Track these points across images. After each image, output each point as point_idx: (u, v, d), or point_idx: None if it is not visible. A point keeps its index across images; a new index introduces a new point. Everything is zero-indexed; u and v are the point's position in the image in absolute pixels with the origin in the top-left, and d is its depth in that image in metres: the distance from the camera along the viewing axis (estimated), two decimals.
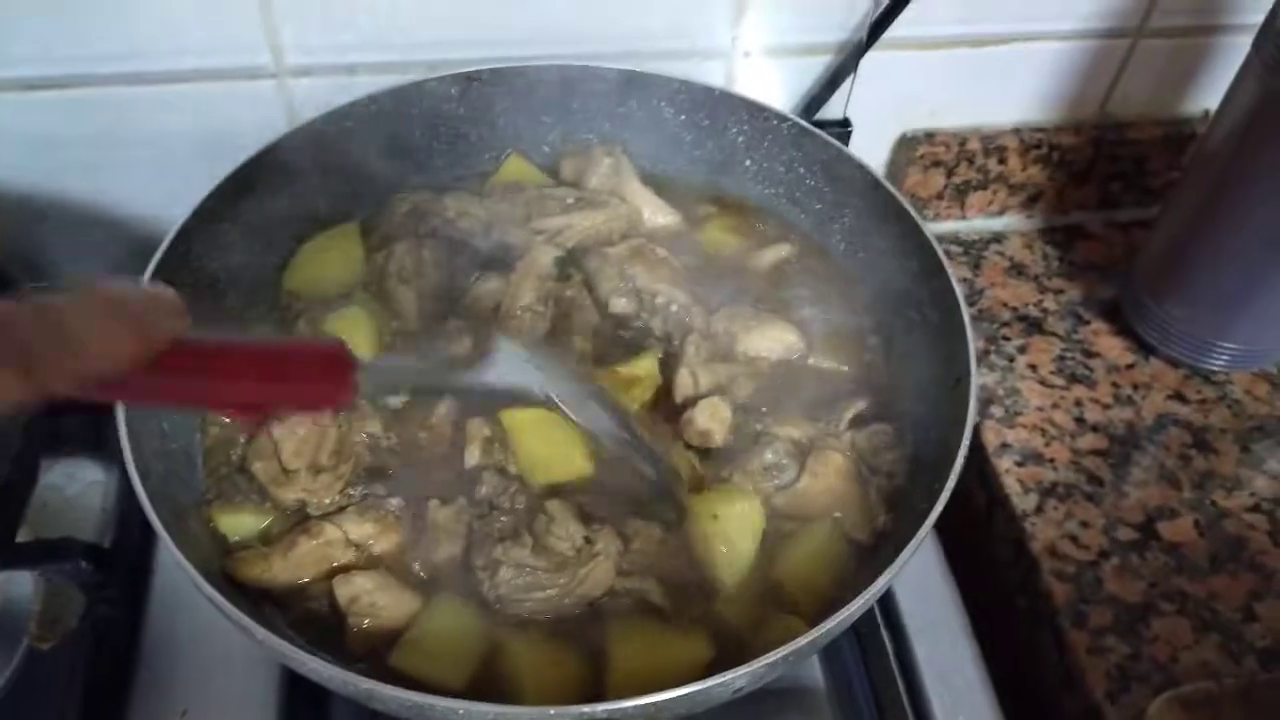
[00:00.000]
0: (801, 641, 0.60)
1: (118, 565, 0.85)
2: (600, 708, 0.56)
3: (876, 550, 0.76)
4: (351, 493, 0.77)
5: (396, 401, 0.82)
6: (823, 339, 0.88)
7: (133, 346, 0.45)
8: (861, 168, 0.88)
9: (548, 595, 0.71)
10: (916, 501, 0.77)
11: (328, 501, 0.76)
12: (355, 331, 0.84)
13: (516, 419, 0.78)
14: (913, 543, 0.65)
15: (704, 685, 0.57)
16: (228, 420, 0.80)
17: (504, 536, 0.72)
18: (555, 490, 0.77)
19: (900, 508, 0.79)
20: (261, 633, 0.58)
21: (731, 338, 0.85)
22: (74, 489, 0.96)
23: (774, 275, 0.92)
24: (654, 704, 0.56)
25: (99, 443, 0.95)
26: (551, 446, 0.78)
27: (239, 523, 0.76)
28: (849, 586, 0.73)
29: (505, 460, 0.78)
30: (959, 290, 0.79)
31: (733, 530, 0.74)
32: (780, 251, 0.93)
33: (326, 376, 0.55)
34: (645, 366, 0.83)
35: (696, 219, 0.96)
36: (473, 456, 0.77)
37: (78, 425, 0.94)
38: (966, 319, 0.77)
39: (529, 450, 0.78)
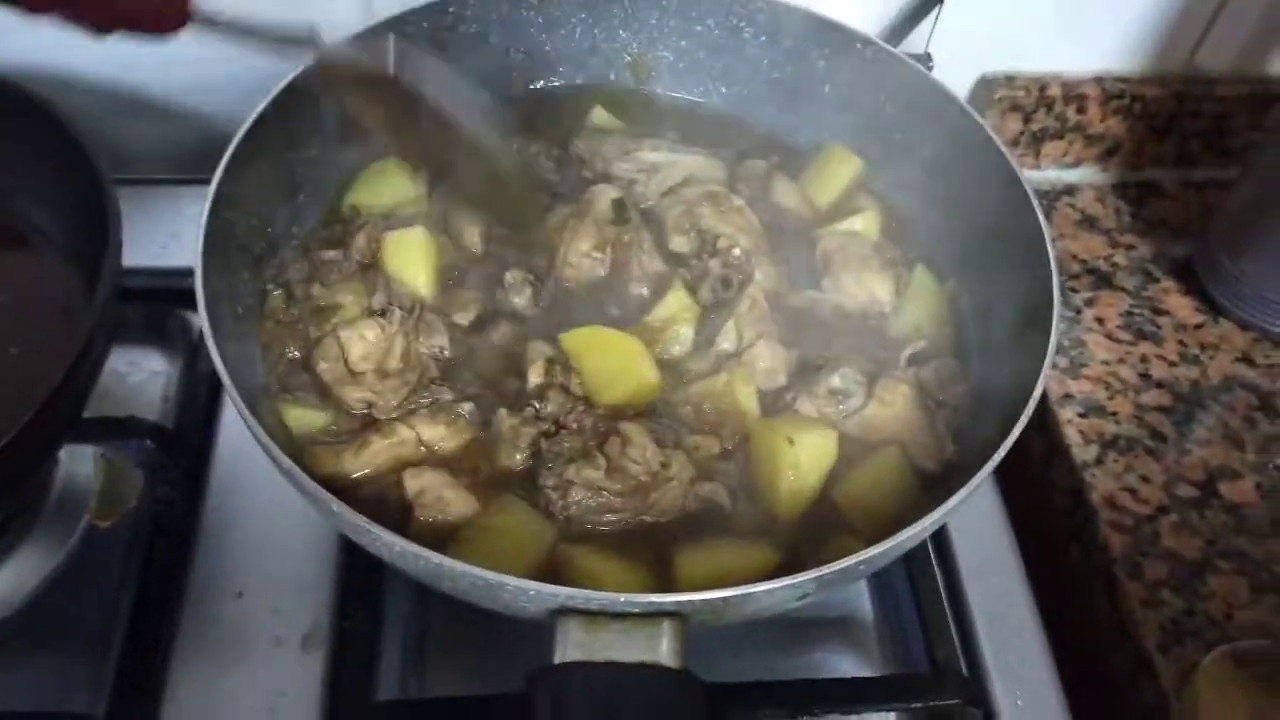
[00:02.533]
0: (872, 551, 0.59)
1: (179, 447, 0.86)
2: (670, 598, 0.56)
3: (944, 481, 0.75)
4: (422, 399, 0.76)
5: (464, 319, 0.81)
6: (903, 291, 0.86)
7: None
8: (948, 97, 0.86)
9: (619, 516, 0.71)
10: (982, 439, 0.76)
11: (394, 404, 0.76)
12: (414, 252, 0.83)
13: (578, 340, 0.78)
14: (974, 479, 0.64)
15: (773, 585, 0.57)
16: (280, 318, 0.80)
17: (574, 457, 0.71)
18: (618, 412, 0.76)
19: (965, 443, 0.78)
20: (336, 504, 0.58)
21: (820, 272, 0.84)
22: (136, 377, 0.96)
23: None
24: (722, 599, 0.56)
25: (162, 333, 0.95)
26: (616, 361, 0.77)
27: (305, 417, 0.76)
28: (913, 513, 0.73)
29: (568, 381, 0.77)
30: (1046, 227, 0.77)
31: (804, 459, 0.73)
32: (856, 224, 0.90)
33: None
34: (673, 303, 0.81)
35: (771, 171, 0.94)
36: (536, 375, 0.77)
37: (142, 314, 0.95)
38: (1052, 256, 0.76)
39: (594, 368, 0.77)
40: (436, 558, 0.56)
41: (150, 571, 0.80)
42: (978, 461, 0.68)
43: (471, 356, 0.80)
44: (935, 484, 0.75)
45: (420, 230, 0.84)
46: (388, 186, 0.90)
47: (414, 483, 0.70)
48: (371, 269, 0.83)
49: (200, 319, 0.66)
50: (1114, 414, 0.98)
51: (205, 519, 0.83)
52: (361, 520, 0.57)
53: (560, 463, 0.71)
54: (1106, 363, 1.02)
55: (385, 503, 0.71)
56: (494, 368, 0.80)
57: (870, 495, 0.73)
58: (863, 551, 0.60)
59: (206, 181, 0.75)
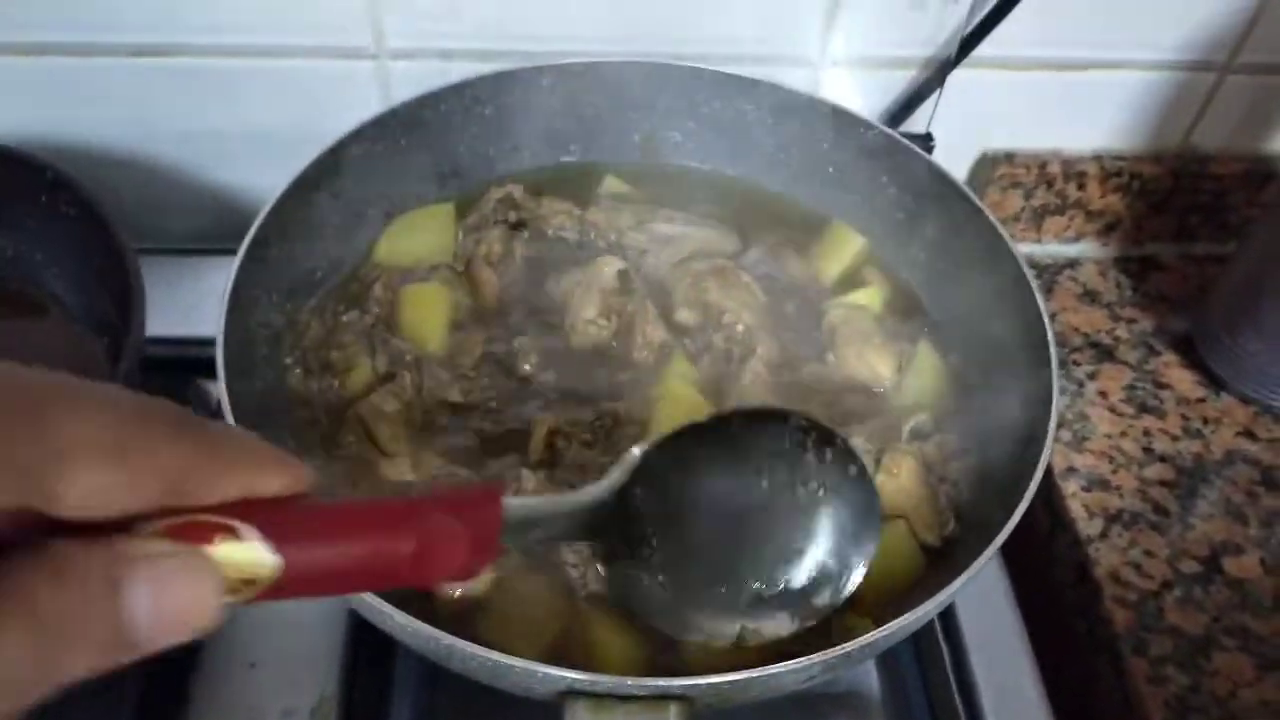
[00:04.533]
0: (879, 634, 0.60)
1: None
2: (677, 682, 0.56)
3: (944, 556, 0.76)
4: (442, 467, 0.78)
5: (469, 360, 0.83)
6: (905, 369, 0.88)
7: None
8: (948, 180, 0.89)
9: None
10: (982, 515, 0.78)
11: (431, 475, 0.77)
12: (431, 302, 0.86)
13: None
14: (980, 559, 0.65)
15: (779, 669, 0.58)
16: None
17: None
18: None
19: (966, 519, 0.79)
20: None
21: (824, 346, 0.86)
22: None
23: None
24: (729, 682, 0.57)
25: (182, 402, 0.97)
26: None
27: None
28: (917, 588, 0.74)
29: (593, 438, 0.79)
30: (1044, 308, 0.79)
31: None
32: (861, 298, 0.92)
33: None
34: (675, 373, 0.82)
35: (777, 247, 0.96)
36: (537, 448, 0.78)
37: (162, 384, 0.97)
38: (1051, 338, 0.77)
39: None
40: (447, 639, 0.57)
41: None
42: (980, 538, 0.69)
43: (481, 405, 0.82)
44: (938, 559, 0.76)
45: (436, 285, 0.87)
46: (417, 238, 0.92)
47: None
48: (378, 327, 0.85)
49: (221, 399, 0.68)
50: (1118, 488, 0.99)
51: None
52: (376, 601, 0.58)
53: None
54: (1109, 436, 1.04)
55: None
56: (503, 420, 0.81)
57: (877, 570, 0.73)
58: (870, 634, 0.61)
59: (229, 252, 0.78)
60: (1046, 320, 0.79)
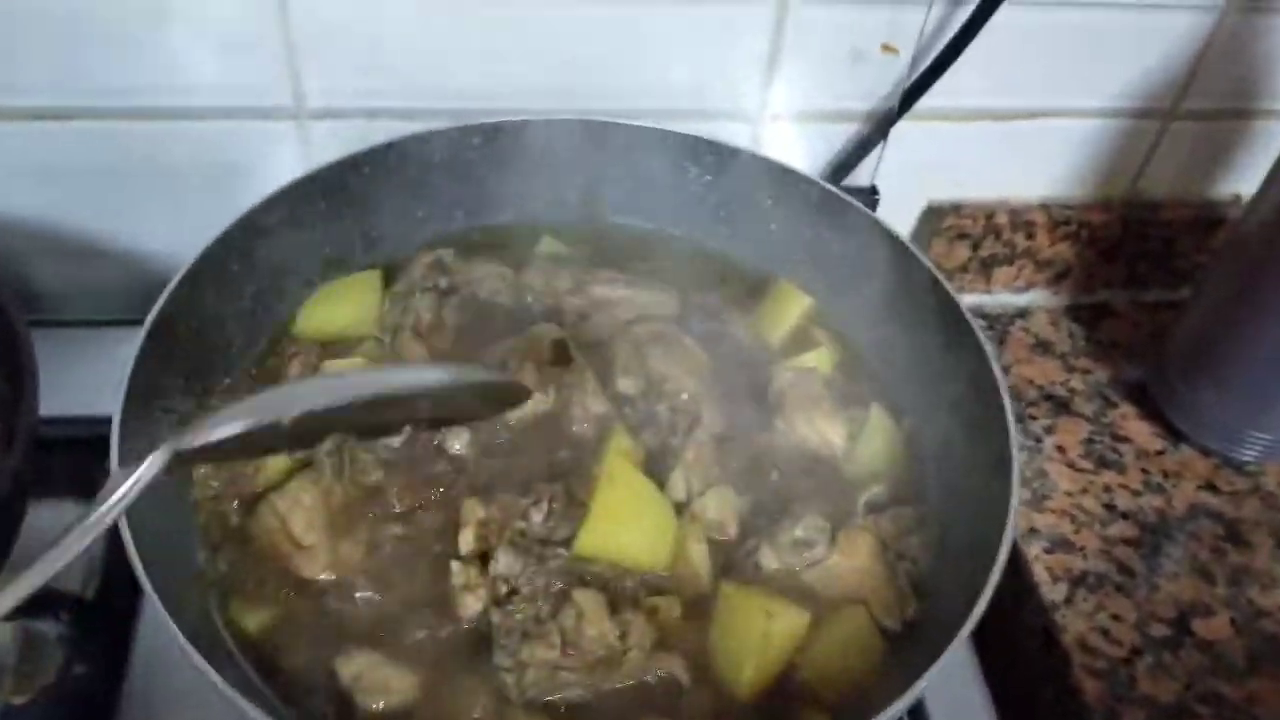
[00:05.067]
0: None
1: (99, 620, 0.80)
2: None
3: (906, 641, 0.72)
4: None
5: (395, 439, 0.77)
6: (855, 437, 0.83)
7: None
8: (890, 236, 0.86)
9: (576, 690, 0.67)
10: (945, 591, 0.73)
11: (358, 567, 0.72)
12: None
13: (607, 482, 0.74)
14: (950, 647, 0.62)
15: None
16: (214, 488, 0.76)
17: (528, 633, 0.67)
18: (582, 564, 0.72)
19: (928, 596, 0.75)
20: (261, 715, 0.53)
21: (770, 412, 0.82)
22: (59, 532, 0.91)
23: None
24: None
25: (87, 485, 0.90)
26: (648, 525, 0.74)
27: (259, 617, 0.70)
28: (878, 678, 0.69)
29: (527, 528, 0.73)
30: (998, 370, 0.76)
31: (777, 634, 0.69)
32: (810, 360, 0.88)
33: None
34: (615, 449, 0.77)
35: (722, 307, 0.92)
36: (468, 540, 0.72)
37: (66, 465, 0.90)
38: (1007, 400, 0.74)
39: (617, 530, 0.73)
40: None
41: None
42: (944, 621, 0.65)
43: (406, 487, 0.76)
44: (899, 642, 0.72)
45: (358, 361, 0.82)
46: (339, 309, 0.87)
47: (348, 669, 0.66)
48: None
49: (112, 496, 0.62)
50: (1081, 549, 0.96)
51: (128, 700, 0.77)
52: None
53: (514, 640, 0.67)
54: (1070, 494, 1.00)
55: (318, 694, 0.66)
56: (431, 506, 0.76)
57: (837, 662, 0.69)
58: None
59: (135, 323, 0.72)
60: (1000, 379, 0.76)
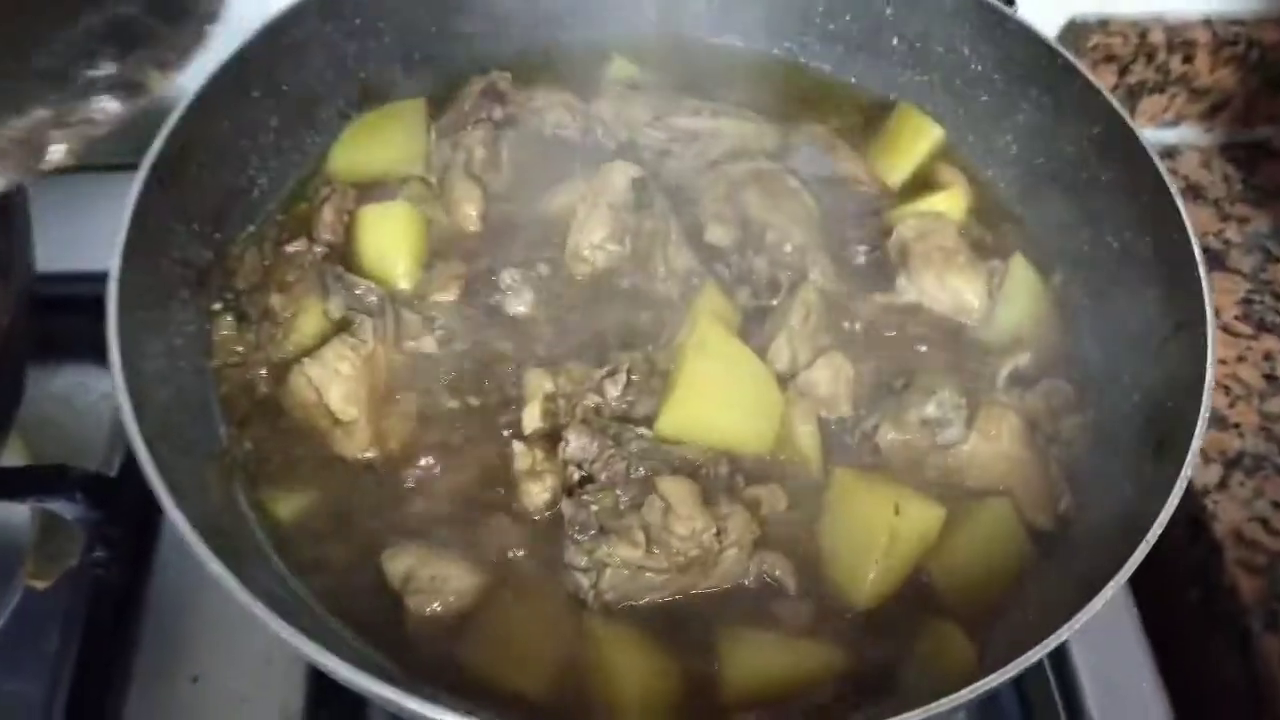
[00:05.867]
0: (976, 690, 0.46)
1: (123, 498, 0.72)
2: None
3: (1057, 542, 0.61)
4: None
5: (447, 296, 0.68)
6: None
7: None
8: (1051, 50, 0.71)
9: (662, 594, 0.57)
10: (1104, 485, 0.62)
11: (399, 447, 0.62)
12: (398, 226, 0.70)
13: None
14: (1110, 585, 0.51)
15: None
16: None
17: (606, 528, 0.57)
18: (668, 443, 0.61)
19: (1083, 491, 0.63)
20: (286, 629, 0.44)
21: (892, 267, 0.69)
22: (83, 401, 0.83)
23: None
24: None
25: (104, 347, 0.81)
26: (747, 395, 0.63)
27: (292, 501, 0.61)
28: (1024, 587, 0.58)
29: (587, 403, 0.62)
30: (1183, 207, 0.62)
31: (904, 533, 0.58)
32: (938, 204, 0.74)
33: None
34: (704, 308, 0.66)
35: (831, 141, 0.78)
36: (533, 417, 0.62)
37: (81, 326, 0.81)
38: (1197, 248, 0.60)
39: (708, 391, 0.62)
40: (391, 691, 0.44)
41: (90, 647, 0.67)
42: (1104, 523, 0.55)
43: (461, 358, 0.66)
44: (1050, 545, 0.61)
45: (403, 205, 0.71)
46: (380, 144, 0.76)
47: (396, 565, 0.56)
48: (331, 260, 0.69)
49: (114, 371, 0.51)
50: (1236, 425, 0.84)
51: (155, 588, 0.70)
52: (307, 644, 0.44)
53: (590, 535, 0.57)
54: (1224, 362, 0.87)
55: (369, 596, 0.57)
56: (489, 377, 0.65)
57: (973, 566, 0.59)
58: (965, 690, 0.46)
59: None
60: (1187, 219, 0.62)
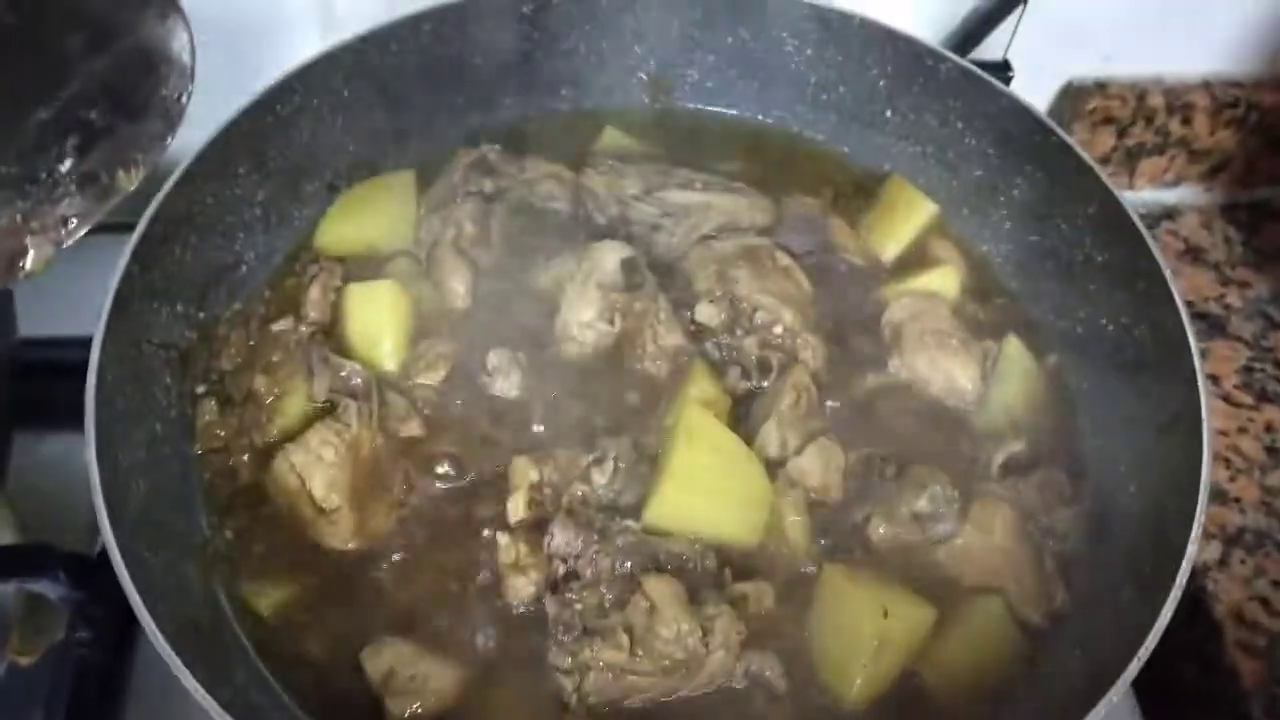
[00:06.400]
0: None
1: (105, 578, 0.70)
2: None
3: (1052, 638, 0.59)
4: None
5: (433, 378, 0.67)
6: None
7: None
8: (1044, 126, 0.70)
9: (649, 695, 0.56)
10: (1101, 578, 0.61)
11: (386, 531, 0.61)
12: (385, 304, 0.69)
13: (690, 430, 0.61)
14: (1115, 686, 0.49)
15: None
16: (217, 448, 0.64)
17: (590, 628, 0.56)
18: (654, 536, 0.60)
19: (1079, 584, 0.62)
20: None
21: (884, 349, 0.69)
22: (68, 469, 0.82)
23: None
24: None
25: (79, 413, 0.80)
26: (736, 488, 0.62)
27: (275, 596, 0.60)
28: (1017, 687, 0.57)
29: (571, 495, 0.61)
30: (1181, 302, 0.60)
31: (897, 636, 0.57)
32: (932, 282, 0.74)
33: None
34: (694, 392, 0.65)
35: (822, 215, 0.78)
36: (518, 508, 0.61)
37: (68, 391, 0.80)
38: (1192, 339, 0.59)
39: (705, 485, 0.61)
40: None
41: None
42: (1100, 619, 0.53)
43: (451, 433, 0.65)
44: (1044, 642, 0.59)
45: (390, 284, 0.70)
46: (368, 218, 0.75)
47: (376, 664, 0.55)
48: (317, 339, 0.68)
49: (90, 471, 0.51)
50: (1237, 500, 0.82)
51: (137, 667, 0.68)
52: None
53: (573, 636, 0.56)
54: (1225, 433, 0.86)
55: (349, 696, 0.56)
56: (474, 464, 0.64)
57: (964, 666, 0.58)
58: None
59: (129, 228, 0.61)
60: (1180, 304, 0.61)
